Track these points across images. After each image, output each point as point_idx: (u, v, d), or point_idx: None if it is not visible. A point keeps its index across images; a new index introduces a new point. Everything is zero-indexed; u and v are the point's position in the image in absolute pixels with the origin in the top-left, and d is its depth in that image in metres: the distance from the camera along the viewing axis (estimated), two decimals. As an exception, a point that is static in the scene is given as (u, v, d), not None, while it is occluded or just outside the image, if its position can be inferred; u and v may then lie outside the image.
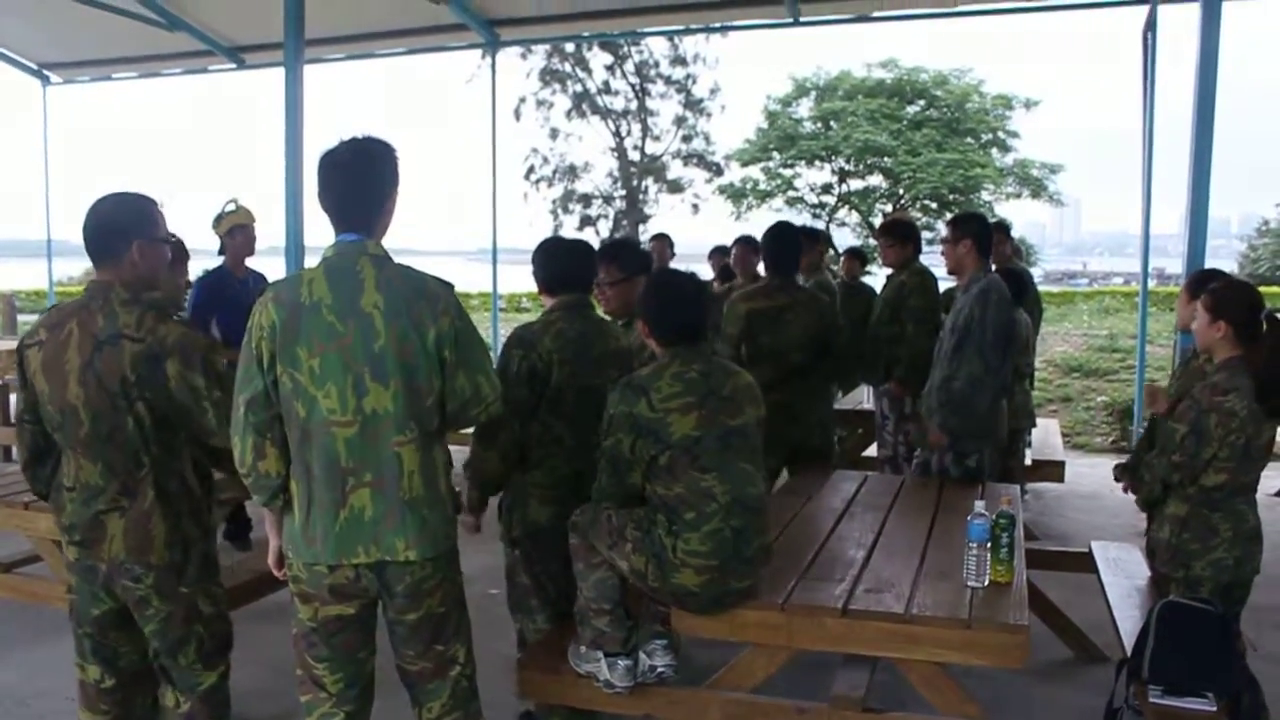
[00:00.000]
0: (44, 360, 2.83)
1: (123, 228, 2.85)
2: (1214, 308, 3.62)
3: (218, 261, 5.95)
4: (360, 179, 2.69)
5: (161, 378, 2.76)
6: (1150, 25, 8.89)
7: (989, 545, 3.21)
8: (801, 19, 9.26)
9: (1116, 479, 4.11)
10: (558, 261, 3.78)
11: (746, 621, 3.14)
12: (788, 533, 3.86)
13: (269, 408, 2.64)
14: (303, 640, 2.76)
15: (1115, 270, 71.08)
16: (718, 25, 10.56)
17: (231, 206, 5.89)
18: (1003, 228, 7.43)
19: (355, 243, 2.68)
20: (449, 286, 2.73)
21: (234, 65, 11.17)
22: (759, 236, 8.06)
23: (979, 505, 3.22)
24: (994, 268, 5.21)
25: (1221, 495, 3.53)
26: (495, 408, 2.79)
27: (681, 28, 12.78)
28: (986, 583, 3.20)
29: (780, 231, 5.46)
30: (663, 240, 8.42)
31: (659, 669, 3.26)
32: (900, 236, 6.45)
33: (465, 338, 2.69)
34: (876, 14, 9.47)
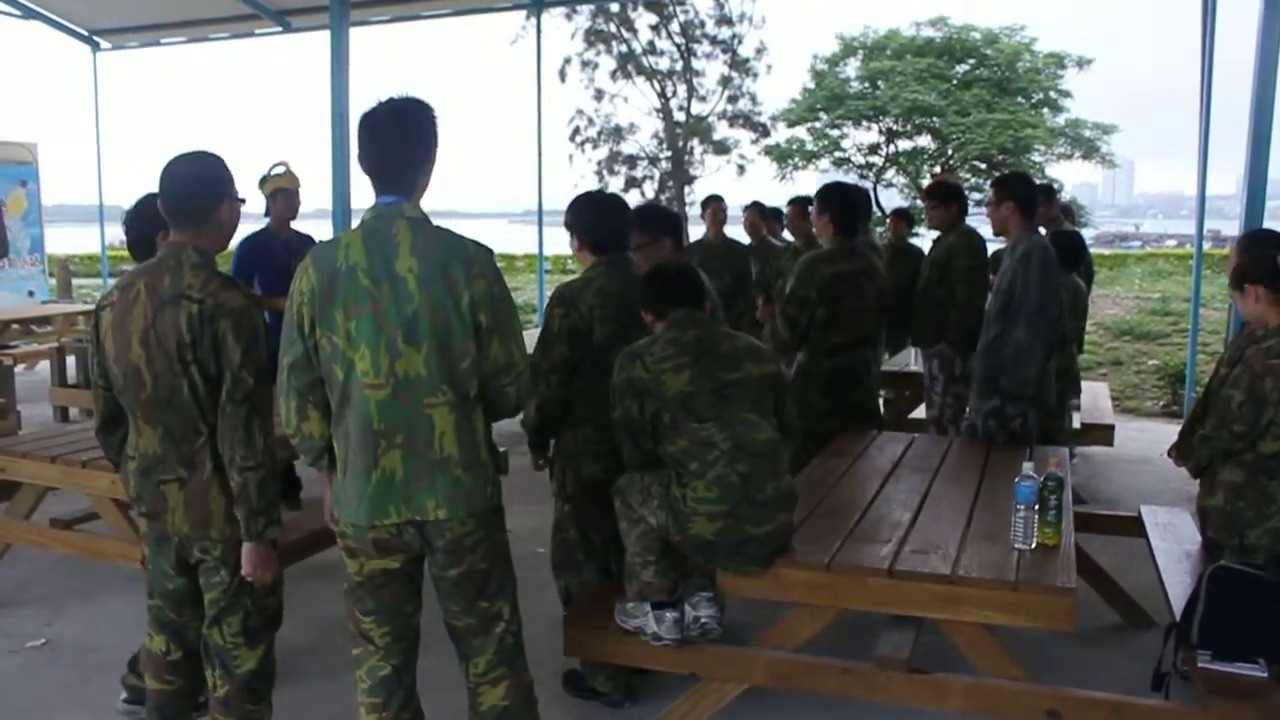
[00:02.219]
0: (113, 321, 2.85)
1: (212, 189, 2.87)
2: (1236, 279, 3.61)
3: (263, 223, 6.02)
4: (398, 140, 2.67)
5: (213, 341, 2.76)
6: (1210, -18, 8.68)
7: (1036, 508, 3.19)
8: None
9: (1171, 456, 4.05)
10: (600, 219, 3.84)
11: (792, 581, 3.16)
12: (834, 493, 3.86)
13: (310, 371, 2.69)
14: (351, 595, 2.80)
15: (1169, 232, 69.74)
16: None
17: (280, 169, 5.94)
18: (1048, 190, 7.31)
19: (393, 205, 2.67)
20: (487, 251, 2.73)
21: (280, 28, 11.23)
22: (812, 197, 8.13)
23: (1027, 467, 3.20)
24: (1043, 230, 5.15)
25: (1277, 462, 3.48)
26: (525, 378, 2.78)
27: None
28: (1034, 545, 3.19)
29: (850, 193, 5.42)
30: (717, 203, 8.22)
31: (703, 620, 3.29)
32: (944, 198, 6.40)
33: (501, 303, 2.69)
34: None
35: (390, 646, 2.80)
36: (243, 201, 2.99)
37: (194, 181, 2.86)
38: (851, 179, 27.91)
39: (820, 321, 5.00)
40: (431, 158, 2.73)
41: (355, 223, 2.80)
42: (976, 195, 20.28)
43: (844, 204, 5.19)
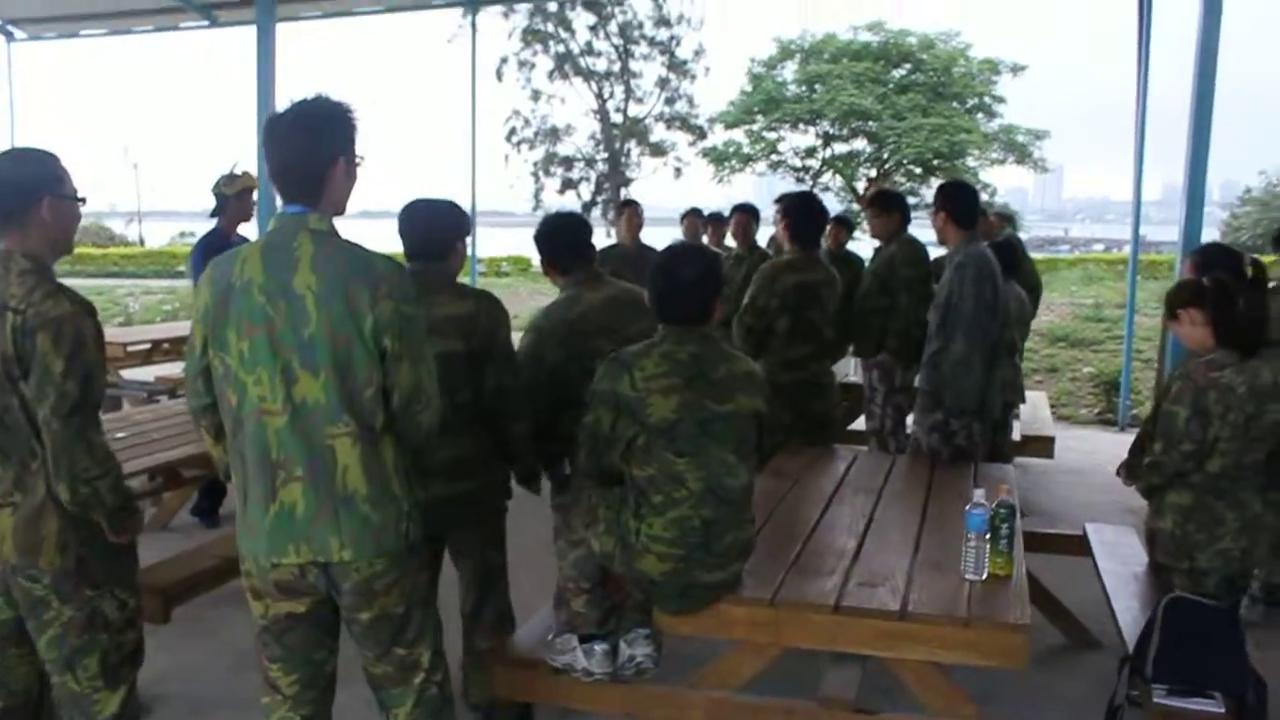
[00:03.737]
0: None
1: (28, 187, 2.61)
2: (1169, 309, 3.61)
3: (210, 224, 5.76)
4: (303, 144, 2.43)
5: (34, 355, 2.51)
6: (1147, -10, 8.71)
7: (988, 537, 3.06)
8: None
9: (1120, 476, 3.95)
10: (562, 237, 3.69)
11: (733, 618, 2.98)
12: (775, 518, 3.70)
13: (199, 394, 2.52)
14: (258, 639, 2.59)
15: (1097, 237, 71.09)
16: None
17: (240, 169, 5.72)
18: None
19: (296, 216, 2.43)
20: (399, 268, 2.50)
21: (206, 23, 10.86)
22: (750, 203, 8.00)
23: (978, 494, 3.07)
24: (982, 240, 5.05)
25: (1225, 481, 3.40)
26: (437, 403, 2.57)
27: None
28: (985, 576, 3.05)
29: (809, 203, 5.31)
30: (633, 208, 7.96)
31: (638, 659, 3.10)
32: (885, 207, 6.31)
33: (411, 326, 2.46)
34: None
35: (299, 695, 2.58)
36: (81, 201, 2.72)
37: (7, 180, 2.61)
38: (788, 182, 28.01)
39: (782, 332, 4.88)
40: (341, 164, 2.47)
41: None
42: (912, 200, 20.34)
43: (804, 213, 5.08)
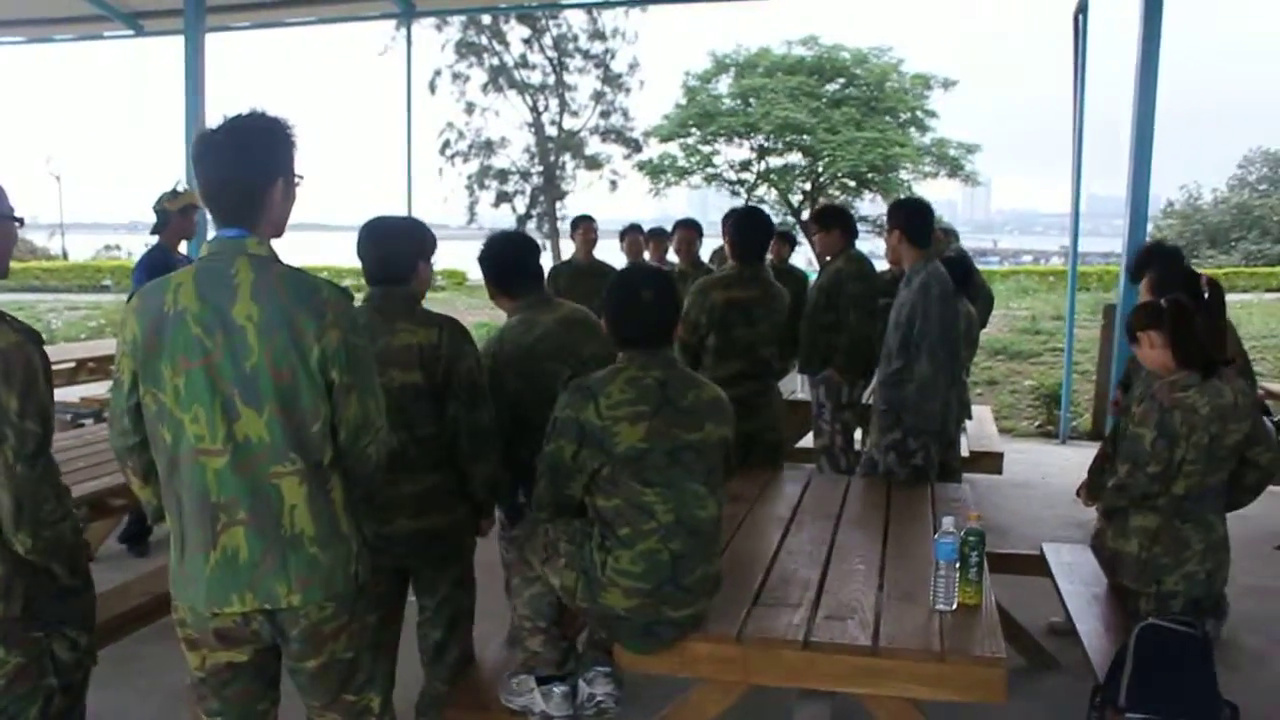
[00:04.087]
0: None
1: None
2: (1130, 330, 3.57)
3: (153, 240, 5.60)
4: (238, 163, 2.26)
5: None
6: (1082, 8, 8.79)
7: (958, 566, 2.97)
8: (735, -9, 9.01)
9: (1079, 496, 3.91)
10: (511, 258, 3.56)
11: (698, 655, 2.85)
12: (733, 547, 3.58)
13: (126, 433, 2.33)
14: (194, 691, 2.41)
15: (1025, 248, 72.41)
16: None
17: (183, 186, 5.54)
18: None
19: (234, 240, 2.26)
20: (344, 294, 2.34)
21: (131, 32, 10.53)
22: (692, 218, 7.90)
23: (947, 523, 2.98)
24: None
25: (1190, 503, 3.35)
26: (384, 435, 2.42)
27: (610, 0, 12.43)
28: (955, 606, 2.97)
29: (750, 217, 5.17)
30: (588, 223, 7.86)
31: (599, 698, 2.97)
32: (827, 223, 6.26)
33: (358, 356, 2.31)
34: (808, -12, 9.26)
35: None
36: (18, 222, 2.54)
37: None
38: (723, 195, 28.10)
39: (712, 349, 4.76)
40: (279, 184, 2.31)
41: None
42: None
43: (746, 228, 4.96)
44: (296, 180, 2.36)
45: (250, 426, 2.21)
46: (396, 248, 3.21)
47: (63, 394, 8.07)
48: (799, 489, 4.36)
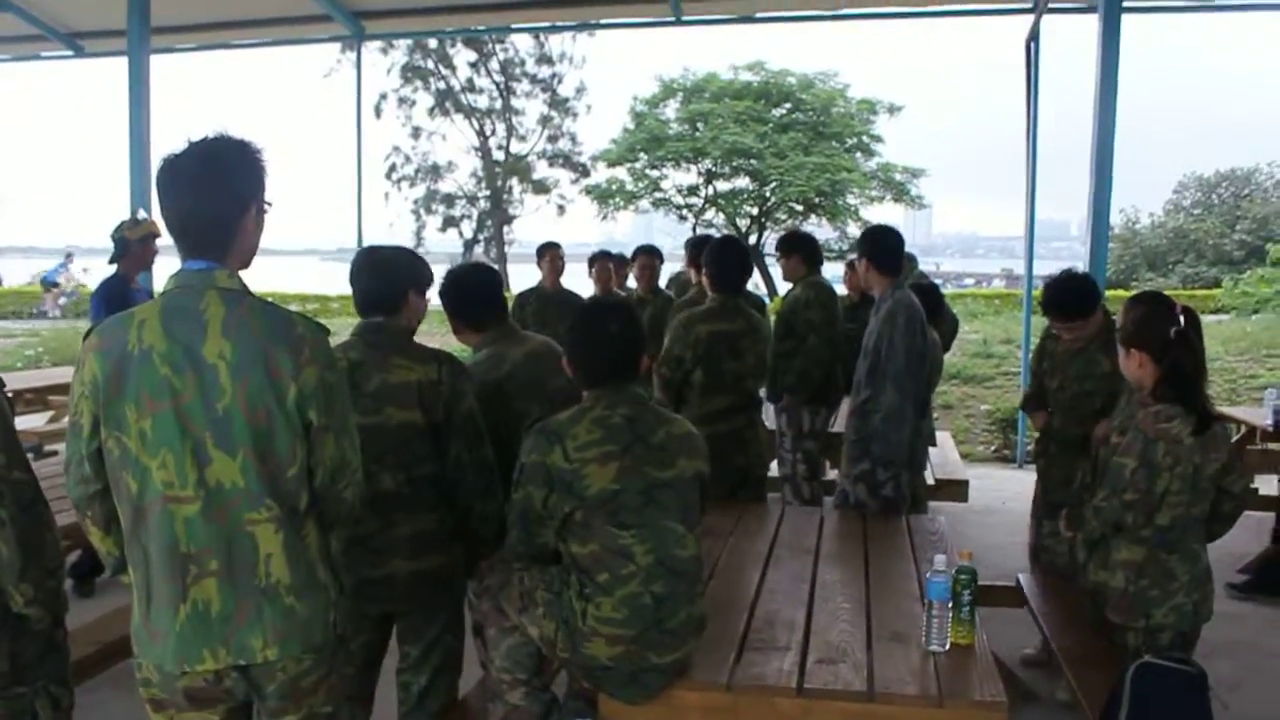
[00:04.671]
0: None
1: None
2: (1126, 340, 3.42)
3: (110, 269, 5.48)
4: (211, 191, 2.12)
5: None
6: (1034, 36, 8.87)
7: (950, 605, 2.89)
8: (684, 18, 8.97)
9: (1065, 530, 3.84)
10: (475, 291, 3.48)
11: (687, 704, 2.74)
12: (713, 586, 3.47)
13: (87, 481, 2.17)
14: None
15: (967, 271, 73.33)
16: (604, 21, 10.15)
17: (143, 215, 5.40)
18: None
19: (202, 273, 2.13)
20: (320, 330, 2.21)
21: (71, 53, 10.28)
22: (651, 245, 7.81)
23: (939, 561, 2.90)
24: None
25: (1175, 535, 3.29)
26: (360, 477, 2.29)
27: (561, 24, 12.37)
28: (948, 646, 2.88)
29: (729, 248, 5.07)
30: (554, 250, 7.63)
31: None
32: (786, 249, 6.27)
33: (335, 394, 2.19)
34: (760, 14, 9.28)
35: None
36: None
37: None
38: (671, 220, 28.08)
39: (698, 385, 4.65)
40: (251, 212, 2.17)
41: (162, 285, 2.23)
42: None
43: (723, 259, 4.86)
44: (266, 207, 2.23)
45: (223, 471, 2.07)
46: (387, 277, 3.10)
47: None
48: (773, 523, 4.27)
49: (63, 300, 22.62)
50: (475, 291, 3.50)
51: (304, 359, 2.11)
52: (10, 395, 7.70)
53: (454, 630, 3.20)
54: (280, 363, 2.09)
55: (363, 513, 3.01)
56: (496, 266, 27.20)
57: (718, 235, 8.44)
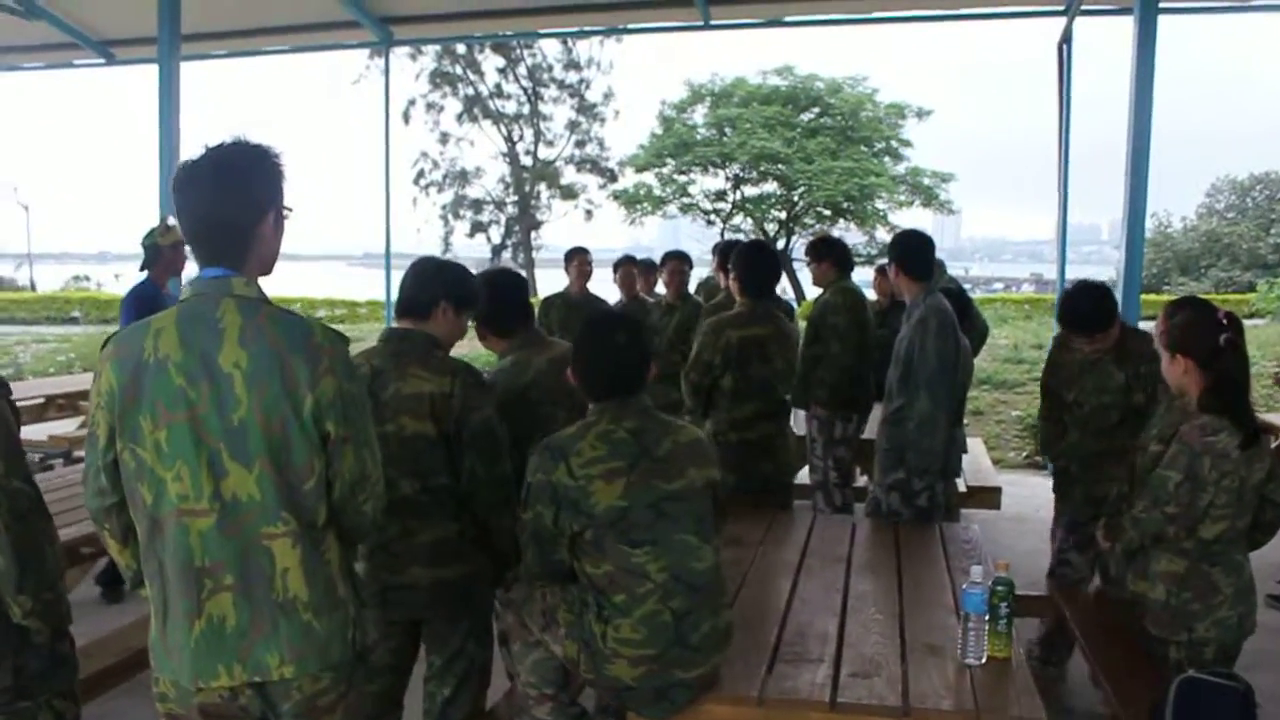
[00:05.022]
0: None
1: None
2: (1171, 345, 3.31)
3: (141, 276, 5.52)
4: (228, 197, 2.08)
5: None
6: (1066, 38, 8.77)
7: (986, 617, 2.82)
8: (713, 22, 8.92)
9: (1103, 540, 3.76)
10: (502, 297, 3.43)
11: (716, 719, 2.69)
12: (743, 596, 3.41)
13: (104, 493, 2.14)
14: None
15: (996, 276, 72.93)
16: (633, 26, 10.12)
17: (173, 221, 5.44)
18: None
19: (219, 280, 2.09)
20: (340, 339, 2.16)
21: (103, 60, 10.37)
22: (681, 249, 7.77)
23: (976, 572, 2.83)
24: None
25: (1220, 547, 3.21)
26: (381, 489, 2.24)
27: (589, 29, 12.35)
28: (984, 660, 2.81)
29: (758, 253, 5.01)
30: (582, 255, 7.57)
31: None
32: (816, 255, 6.20)
33: (355, 405, 2.15)
34: (789, 18, 9.22)
35: None
36: None
37: None
38: (699, 225, 28.05)
39: (728, 390, 4.59)
40: (269, 218, 2.13)
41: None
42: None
43: (751, 263, 4.80)
44: (286, 213, 2.19)
45: (239, 484, 2.03)
46: (422, 282, 3.09)
47: (31, 432, 7.83)
48: (804, 531, 4.20)
49: None
50: (503, 297, 3.46)
51: (322, 368, 2.07)
52: (43, 399, 7.72)
53: (479, 640, 3.16)
54: (297, 372, 2.04)
55: (383, 519, 3.02)
56: (524, 272, 27.21)
57: (745, 240, 8.38)
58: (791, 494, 5.05)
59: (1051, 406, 4.67)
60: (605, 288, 7.81)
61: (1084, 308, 4.34)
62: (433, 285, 3.08)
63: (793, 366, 4.85)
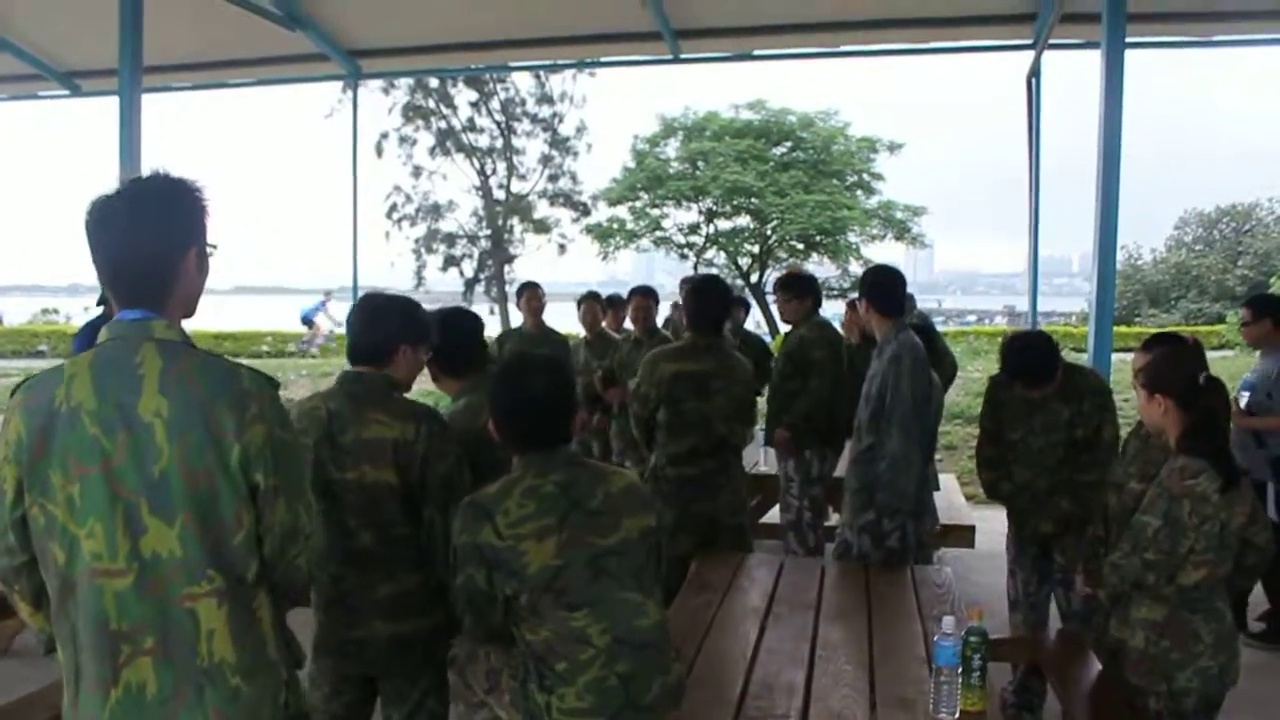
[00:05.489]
0: None
1: None
2: (1149, 384, 3.24)
3: (98, 310, 5.53)
4: (148, 234, 1.94)
5: None
6: (1035, 72, 8.79)
7: (959, 670, 2.71)
8: (682, 55, 8.89)
9: (1084, 586, 3.66)
10: (456, 335, 3.31)
11: (678, 781, 2.56)
12: (707, 646, 3.29)
13: (11, 552, 1.98)
14: None
15: (969, 308, 73.26)
16: (603, 60, 10.09)
17: None
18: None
19: (138, 323, 1.96)
20: (268, 383, 2.02)
21: (67, 92, 10.24)
22: (648, 286, 7.68)
23: (947, 623, 2.72)
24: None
25: (1200, 594, 3.11)
26: (316, 541, 2.11)
27: (559, 62, 12.31)
28: (957, 714, 2.70)
29: (706, 286, 4.94)
30: (533, 290, 7.53)
31: None
32: (799, 292, 6.09)
33: (286, 453, 2.01)
34: (758, 51, 9.20)
35: None
36: None
37: None
38: (672, 259, 28.01)
39: (663, 424, 4.50)
40: (191, 256, 2.00)
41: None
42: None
43: (698, 297, 4.73)
44: (210, 250, 2.06)
45: (159, 541, 1.89)
46: (378, 328, 2.96)
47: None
48: (772, 575, 4.09)
49: (319, 340, 22.11)
50: (457, 335, 3.35)
51: (250, 415, 1.93)
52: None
53: (439, 696, 3.02)
54: (223, 420, 1.90)
55: (341, 570, 2.89)
56: (496, 306, 26.99)
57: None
58: (747, 535, 4.92)
59: (994, 447, 4.61)
60: (571, 323, 7.74)
61: (1034, 364, 4.32)
62: (389, 328, 2.97)
63: (741, 403, 4.73)
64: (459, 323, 3.39)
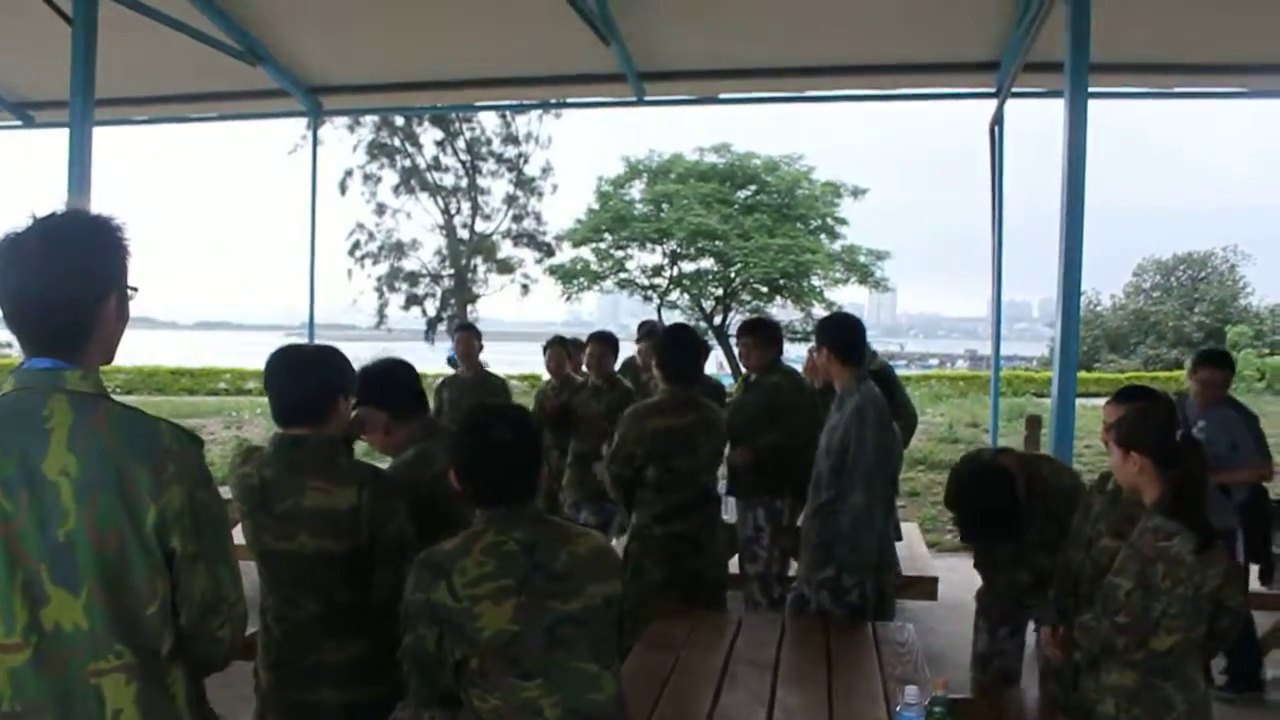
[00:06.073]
0: None
1: None
2: (1123, 440, 3.15)
3: None
4: (61, 277, 1.79)
5: None
6: (998, 120, 8.81)
7: (922, 742, 2.60)
8: (646, 98, 8.84)
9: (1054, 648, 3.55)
10: (397, 380, 3.19)
11: None
12: (663, 709, 3.15)
13: None
14: None
15: (931, 352, 73.87)
16: (568, 101, 10.05)
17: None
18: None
19: (48, 373, 1.80)
20: (190, 440, 1.87)
21: (20, 123, 10.04)
22: (610, 331, 7.56)
23: (910, 693, 2.61)
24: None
25: (1172, 660, 3.01)
26: (240, 611, 1.94)
27: (522, 103, 12.28)
28: (920, 788, 2.58)
29: (682, 337, 4.83)
30: (466, 333, 7.50)
31: None
32: (767, 337, 5.95)
33: (207, 517, 1.85)
34: (723, 95, 9.17)
35: None
36: None
37: None
38: (636, 300, 27.97)
39: (651, 482, 4.37)
40: (110, 301, 1.85)
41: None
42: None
43: (678, 349, 4.61)
44: (131, 294, 1.91)
45: (62, 612, 1.73)
46: (310, 382, 2.79)
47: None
48: (729, 634, 3.95)
49: None
50: (398, 380, 3.23)
51: (168, 476, 1.78)
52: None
53: None
54: (138, 480, 1.75)
55: (287, 633, 2.74)
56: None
57: (668, 322, 8.20)
58: (725, 591, 4.81)
59: None
60: (539, 364, 7.63)
61: (999, 515, 4.08)
62: (319, 381, 2.81)
63: (719, 455, 4.65)
64: (398, 368, 3.25)
